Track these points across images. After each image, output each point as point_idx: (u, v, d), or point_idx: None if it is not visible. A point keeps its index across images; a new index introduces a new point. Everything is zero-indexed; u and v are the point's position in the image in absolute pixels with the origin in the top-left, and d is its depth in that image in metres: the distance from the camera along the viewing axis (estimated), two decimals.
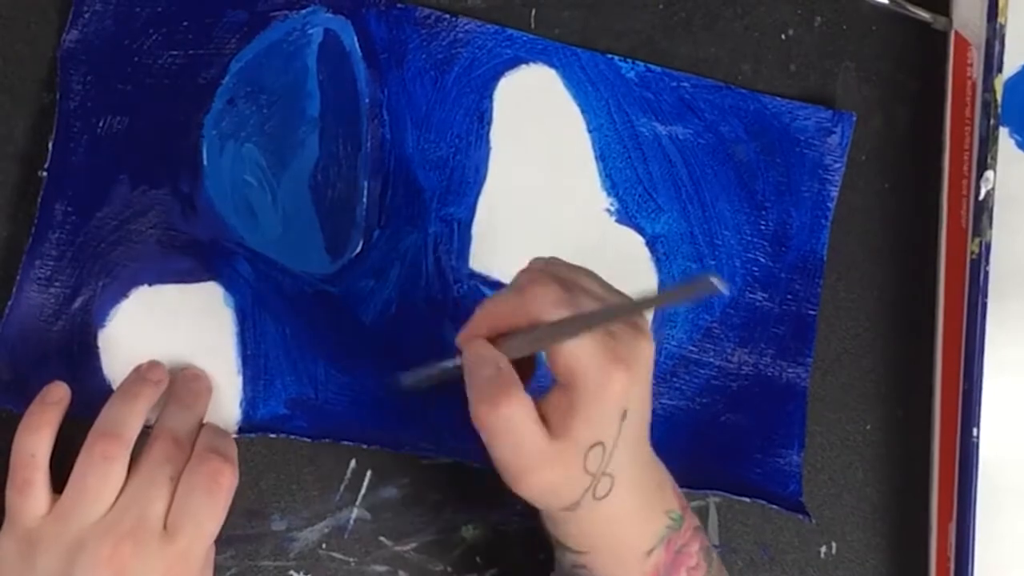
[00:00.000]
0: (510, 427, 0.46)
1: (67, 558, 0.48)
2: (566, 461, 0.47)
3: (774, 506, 0.60)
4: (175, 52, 0.57)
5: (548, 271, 0.48)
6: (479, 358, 0.48)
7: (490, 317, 0.48)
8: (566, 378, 0.46)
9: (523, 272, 0.49)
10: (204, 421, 0.55)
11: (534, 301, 0.47)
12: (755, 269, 0.62)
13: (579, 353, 0.46)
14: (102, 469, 0.49)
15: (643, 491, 0.50)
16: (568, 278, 0.48)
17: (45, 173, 0.56)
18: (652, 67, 0.62)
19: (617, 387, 0.46)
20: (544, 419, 0.47)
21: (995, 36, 0.60)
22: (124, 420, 0.51)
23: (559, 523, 0.50)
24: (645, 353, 0.48)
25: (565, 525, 0.50)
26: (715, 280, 0.41)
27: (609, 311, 0.47)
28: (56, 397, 0.52)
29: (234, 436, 0.55)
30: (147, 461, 0.50)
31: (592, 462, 0.47)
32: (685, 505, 0.52)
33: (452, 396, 0.57)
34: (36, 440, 0.50)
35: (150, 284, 0.56)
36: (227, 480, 0.51)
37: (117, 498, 0.50)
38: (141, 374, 0.54)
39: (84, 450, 0.50)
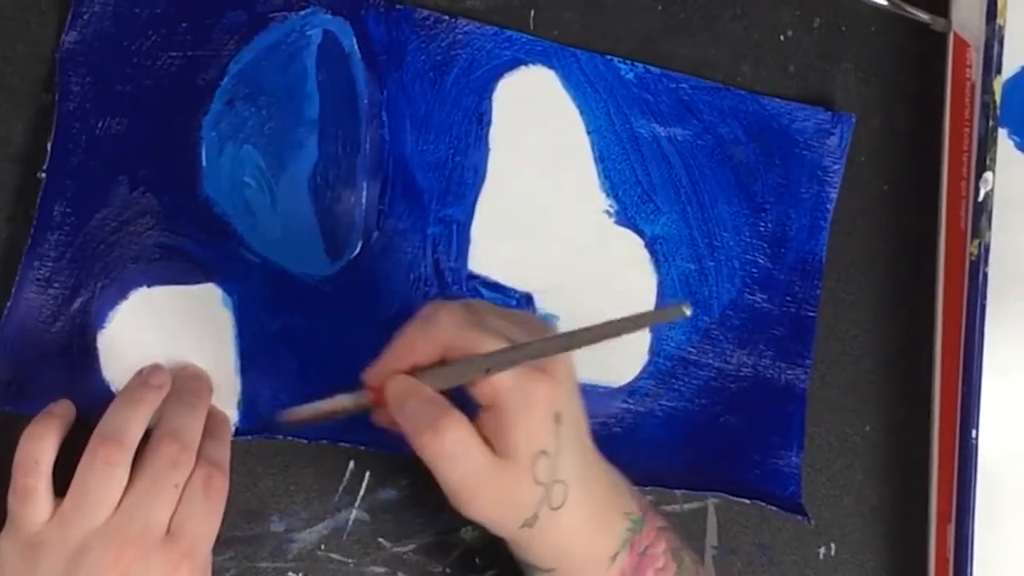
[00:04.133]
0: (457, 450, 0.47)
1: (70, 562, 0.48)
2: (515, 476, 0.48)
3: (773, 507, 0.60)
4: (174, 53, 0.57)
5: (447, 303, 0.49)
6: (403, 390, 0.48)
7: (401, 350, 0.49)
8: (490, 400, 0.47)
9: (426, 306, 0.50)
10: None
11: (439, 326, 0.48)
12: (754, 271, 0.62)
13: (497, 375, 0.47)
14: (104, 474, 0.49)
15: (598, 496, 0.51)
16: (471, 305, 0.49)
17: (44, 174, 0.56)
18: (651, 68, 0.62)
19: (542, 394, 0.47)
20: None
21: (994, 37, 0.60)
22: (126, 426, 0.51)
23: (523, 544, 0.51)
24: (563, 361, 0.48)
25: (529, 544, 0.50)
26: (685, 307, 0.43)
27: (539, 347, 0.47)
28: (62, 411, 0.52)
29: (232, 437, 0.55)
30: (152, 466, 0.50)
31: (541, 471, 0.48)
32: (646, 506, 0.53)
33: (452, 398, 0.57)
34: (42, 446, 0.50)
35: (149, 286, 0.56)
36: (220, 484, 0.52)
37: (121, 501, 0.49)
38: (144, 379, 0.53)
39: (86, 455, 0.50)
